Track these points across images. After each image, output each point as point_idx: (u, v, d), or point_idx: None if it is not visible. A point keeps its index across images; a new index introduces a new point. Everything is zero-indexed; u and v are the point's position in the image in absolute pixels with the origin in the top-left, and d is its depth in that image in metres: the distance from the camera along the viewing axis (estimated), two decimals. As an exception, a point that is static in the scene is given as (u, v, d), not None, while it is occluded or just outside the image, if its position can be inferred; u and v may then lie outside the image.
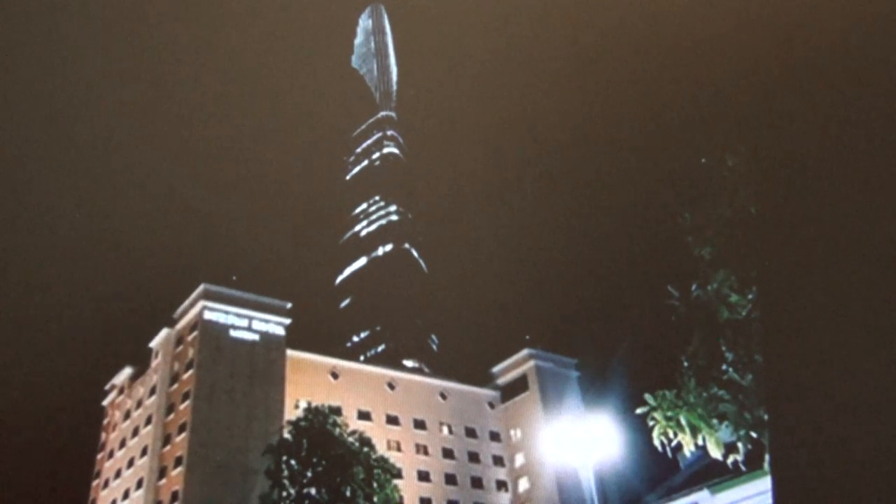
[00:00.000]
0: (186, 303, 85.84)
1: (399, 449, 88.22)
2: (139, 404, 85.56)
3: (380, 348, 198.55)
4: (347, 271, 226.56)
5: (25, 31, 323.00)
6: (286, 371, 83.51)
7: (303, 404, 69.64)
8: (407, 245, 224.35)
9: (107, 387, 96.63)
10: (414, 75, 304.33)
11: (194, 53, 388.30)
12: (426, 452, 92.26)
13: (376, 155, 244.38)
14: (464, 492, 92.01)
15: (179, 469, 72.77)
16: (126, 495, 79.19)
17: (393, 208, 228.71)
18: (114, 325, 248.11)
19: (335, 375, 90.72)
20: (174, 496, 71.77)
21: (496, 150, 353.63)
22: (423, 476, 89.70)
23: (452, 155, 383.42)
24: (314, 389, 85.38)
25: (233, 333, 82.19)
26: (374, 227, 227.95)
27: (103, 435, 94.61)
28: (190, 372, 78.41)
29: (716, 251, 12.41)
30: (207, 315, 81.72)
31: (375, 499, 48.94)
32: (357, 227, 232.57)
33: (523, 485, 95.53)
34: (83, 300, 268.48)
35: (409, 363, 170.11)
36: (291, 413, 73.50)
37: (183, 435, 74.83)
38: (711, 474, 27.56)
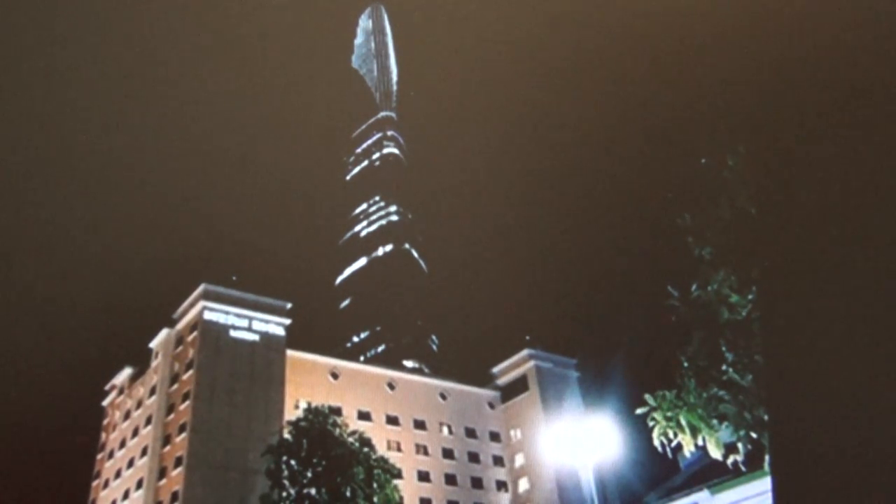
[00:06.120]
0: (186, 303, 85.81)
1: (399, 449, 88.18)
2: (139, 404, 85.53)
3: (380, 348, 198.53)
4: (347, 271, 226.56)
5: (25, 31, 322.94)
6: (286, 371, 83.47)
7: (303, 404, 69.66)
8: (407, 245, 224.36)
9: (107, 387, 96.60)
10: (414, 75, 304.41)
11: (194, 53, 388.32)
12: (426, 453, 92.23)
13: (376, 155, 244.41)
14: (464, 492, 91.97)
15: (179, 469, 72.75)
16: (126, 495, 79.17)
17: (393, 208, 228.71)
18: (114, 325, 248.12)
19: (335, 376, 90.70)
20: (174, 496, 71.74)
21: (496, 150, 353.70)
22: (423, 476, 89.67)
23: (452, 155, 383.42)
24: (314, 390, 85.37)
25: (233, 333, 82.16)
26: (374, 227, 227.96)
27: (103, 435, 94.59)
28: (190, 372, 78.39)
29: (716, 251, 12.40)
30: (207, 315, 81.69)
31: (375, 499, 48.94)
32: (357, 228, 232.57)
33: (523, 485, 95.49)
34: (83, 300, 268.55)
35: (409, 363, 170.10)
36: (291, 413, 73.49)
37: (183, 435, 74.82)
38: (711, 474, 27.54)
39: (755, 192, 8.69)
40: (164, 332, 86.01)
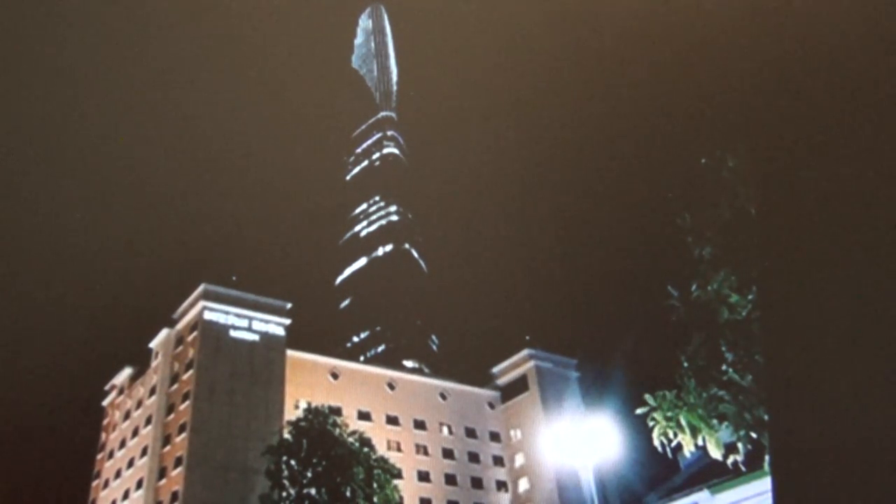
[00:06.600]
0: (186, 303, 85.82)
1: (399, 449, 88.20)
2: (139, 404, 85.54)
3: (380, 348, 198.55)
4: (347, 271, 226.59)
5: (25, 31, 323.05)
6: (286, 371, 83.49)
7: (303, 404, 69.71)
8: (407, 245, 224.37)
9: (107, 387, 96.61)
10: (414, 75, 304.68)
11: (195, 53, 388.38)
12: (426, 453, 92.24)
13: (376, 155, 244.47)
14: (464, 492, 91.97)
15: (179, 469, 72.75)
16: (126, 495, 79.17)
17: (393, 208, 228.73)
18: (114, 325, 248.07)
19: (335, 376, 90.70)
20: (174, 496, 71.75)
21: (496, 150, 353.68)
22: (423, 476, 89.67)
23: (452, 155, 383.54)
24: (314, 389, 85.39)
25: (233, 334, 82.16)
26: (374, 227, 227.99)
27: (103, 435, 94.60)
28: (190, 372, 78.39)
29: (716, 251, 12.40)
30: (207, 315, 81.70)
31: (375, 499, 48.97)
32: (357, 228, 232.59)
33: (523, 485, 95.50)
34: (83, 300, 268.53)
35: (409, 363, 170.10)
36: (291, 413, 73.51)
37: (183, 435, 74.82)
38: (711, 474, 27.52)
39: (755, 192, 8.70)
40: (164, 332, 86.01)
